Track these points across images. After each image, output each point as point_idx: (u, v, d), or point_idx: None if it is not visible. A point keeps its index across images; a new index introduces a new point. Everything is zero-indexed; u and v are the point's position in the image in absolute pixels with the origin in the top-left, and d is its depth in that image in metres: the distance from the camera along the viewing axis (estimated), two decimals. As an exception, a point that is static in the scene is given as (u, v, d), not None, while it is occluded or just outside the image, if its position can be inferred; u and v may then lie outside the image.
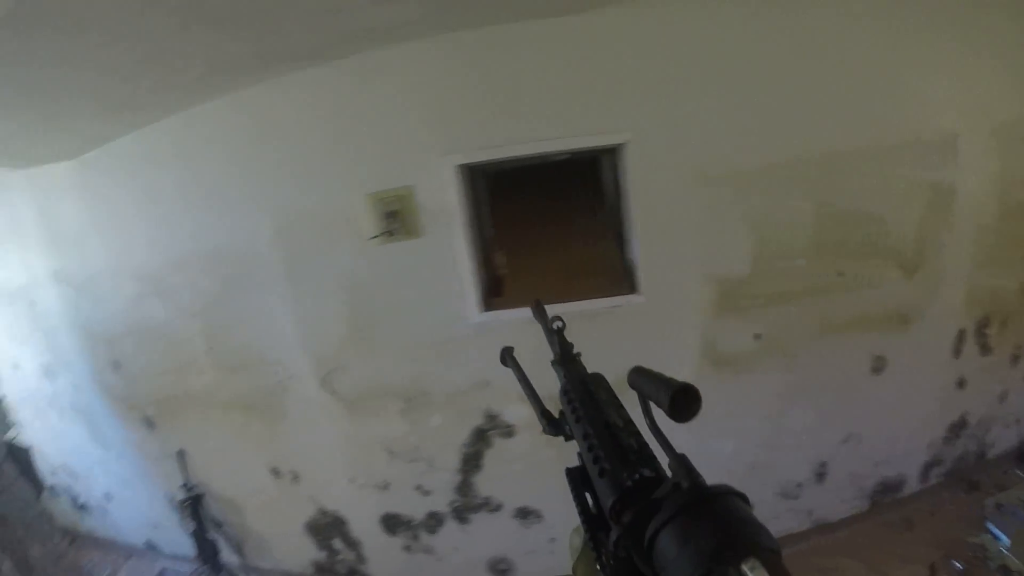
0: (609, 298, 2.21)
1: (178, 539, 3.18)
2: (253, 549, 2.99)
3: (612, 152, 2.29)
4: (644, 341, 2.22)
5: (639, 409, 0.49)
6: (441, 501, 2.47)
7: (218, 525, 2.91)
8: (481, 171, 2.40)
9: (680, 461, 0.44)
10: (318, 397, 2.40)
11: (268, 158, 2.23)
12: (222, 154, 2.28)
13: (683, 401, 0.43)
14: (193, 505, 2.75)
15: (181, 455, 2.70)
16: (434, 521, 2.50)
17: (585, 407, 0.60)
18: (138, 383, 2.68)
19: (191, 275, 2.42)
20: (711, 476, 0.41)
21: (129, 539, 3.59)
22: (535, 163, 2.33)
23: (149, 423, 2.74)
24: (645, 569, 0.44)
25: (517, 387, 0.72)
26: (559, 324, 0.74)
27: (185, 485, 2.74)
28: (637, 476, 0.49)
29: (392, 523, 2.62)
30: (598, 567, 0.53)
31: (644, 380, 0.49)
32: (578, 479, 0.57)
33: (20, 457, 3.19)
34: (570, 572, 0.59)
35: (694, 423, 0.40)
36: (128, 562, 3.77)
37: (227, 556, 2.96)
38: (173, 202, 2.38)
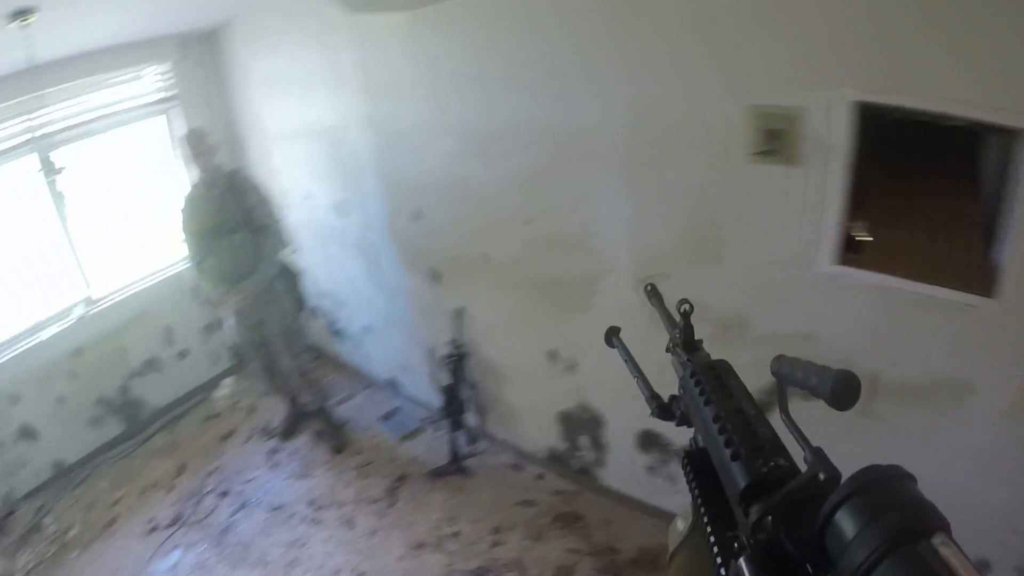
0: (961, 293, 2.07)
1: (422, 386, 3.72)
2: (497, 418, 3.38)
3: (1010, 134, 2.03)
4: (985, 352, 2.03)
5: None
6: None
7: (472, 387, 3.30)
8: (871, 115, 2.17)
9: (817, 453, 0.50)
10: (628, 298, 2.46)
11: (622, 43, 2.22)
12: (569, 31, 2.32)
13: (846, 388, 0.50)
14: (457, 362, 3.17)
15: (460, 313, 3.09)
16: (692, 453, 2.98)
17: (716, 391, 0.66)
18: (436, 236, 3.05)
19: (519, 143, 2.60)
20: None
21: (374, 372, 4.25)
22: (920, 122, 2.09)
23: (435, 276, 3.16)
24: (796, 551, 0.49)
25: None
26: (687, 307, 0.80)
27: (454, 342, 3.12)
28: (772, 464, 0.54)
29: (649, 441, 2.82)
30: (714, 552, 0.58)
31: (794, 367, 0.56)
32: (699, 464, 0.64)
33: (291, 277, 3.75)
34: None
35: None
36: (366, 391, 4.40)
37: (468, 417, 3.37)
38: (506, 69, 2.54)
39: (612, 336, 0.95)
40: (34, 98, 3.52)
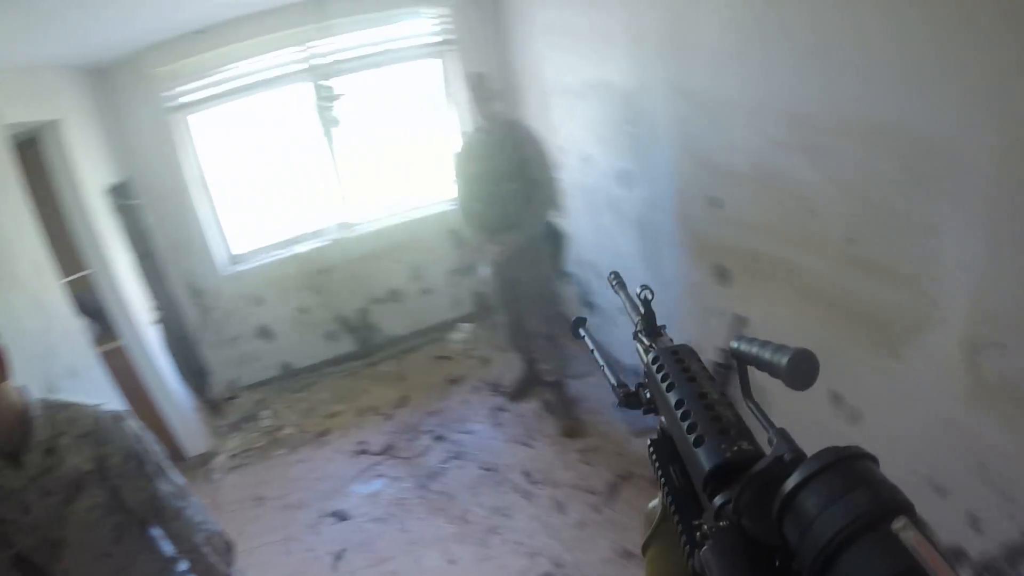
0: None
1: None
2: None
3: None
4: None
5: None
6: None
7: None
8: None
9: (782, 434, 0.55)
10: (947, 356, 2.25)
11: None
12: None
13: (802, 366, 0.55)
14: (722, 374, 3.52)
15: (740, 322, 3.00)
16: None
17: (677, 376, 0.71)
18: (732, 231, 2.93)
19: (859, 142, 2.35)
20: None
21: (619, 355, 3.78)
22: None
23: (721, 274, 3.07)
24: (762, 535, 0.53)
25: None
26: (647, 294, 0.88)
27: (724, 352, 3.38)
28: (736, 447, 0.58)
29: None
30: (683, 541, 0.62)
31: (751, 347, 0.60)
32: (665, 451, 0.69)
33: (556, 239, 3.95)
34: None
35: None
36: (601, 370, 5.10)
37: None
38: (856, 46, 2.25)
39: (579, 327, 1.05)
40: (317, 28, 3.94)
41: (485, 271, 4.12)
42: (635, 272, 3.81)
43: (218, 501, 4.29)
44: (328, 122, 4.56)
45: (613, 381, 0.91)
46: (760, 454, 0.60)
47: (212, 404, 5.21)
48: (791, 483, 0.50)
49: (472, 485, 3.90)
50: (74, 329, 2.98)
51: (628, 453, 3.84)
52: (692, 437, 0.64)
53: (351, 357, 5.47)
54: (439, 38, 4.94)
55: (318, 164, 5.10)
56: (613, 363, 0.96)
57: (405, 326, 5.57)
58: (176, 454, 4.53)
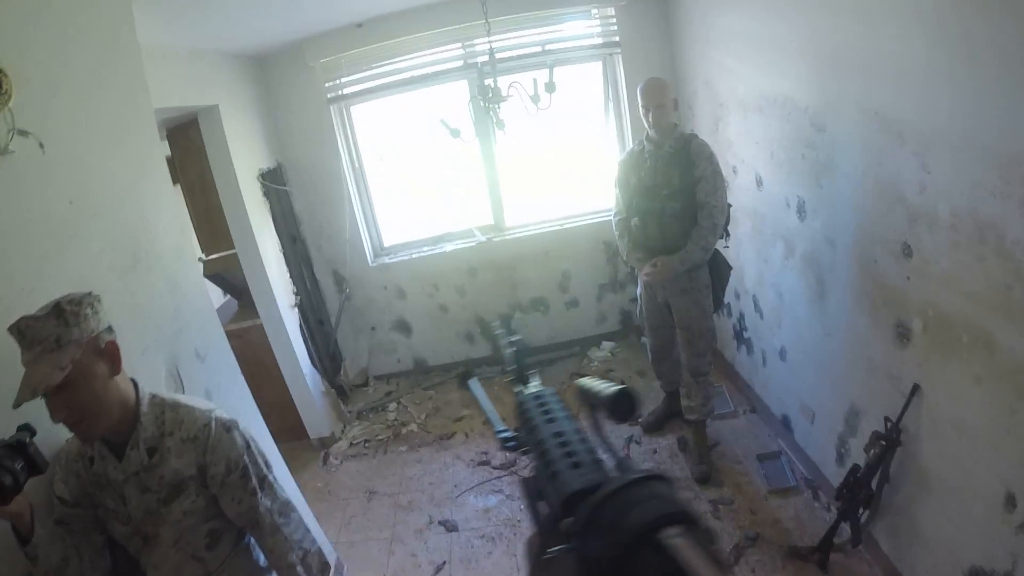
0: None
1: (819, 443, 3.38)
2: (891, 529, 2.84)
3: None
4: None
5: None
6: None
7: (885, 480, 2.73)
8: None
9: (623, 462, 0.74)
10: None
11: None
12: None
13: (623, 403, 0.78)
14: (885, 448, 2.65)
15: (915, 392, 2.53)
16: None
17: (537, 419, 0.81)
18: (923, 287, 2.46)
19: None
20: None
21: (767, 400, 4.01)
22: None
23: (902, 334, 2.59)
24: (593, 553, 0.59)
25: None
26: (515, 343, 0.96)
27: (890, 422, 2.61)
28: (584, 478, 0.68)
29: None
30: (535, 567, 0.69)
31: (587, 389, 0.82)
32: (532, 489, 0.76)
33: (719, 270, 3.59)
34: None
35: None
36: (750, 416, 4.20)
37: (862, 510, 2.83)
38: None
39: (467, 379, 1.12)
40: (480, 25, 3.81)
41: (637, 290, 3.85)
42: (796, 312, 3.44)
43: (332, 487, 4.36)
44: (487, 122, 4.42)
45: (497, 429, 1.00)
46: (637, 475, 0.65)
47: (342, 390, 5.28)
48: (590, 503, 0.61)
49: (589, 519, 3.57)
50: (206, 312, 2.99)
51: (761, 512, 3.45)
52: (548, 472, 0.73)
53: (486, 361, 5.38)
54: (603, 40, 4.69)
55: (474, 163, 5.03)
56: (495, 412, 1.07)
57: (546, 337, 5.39)
58: (299, 433, 4.72)
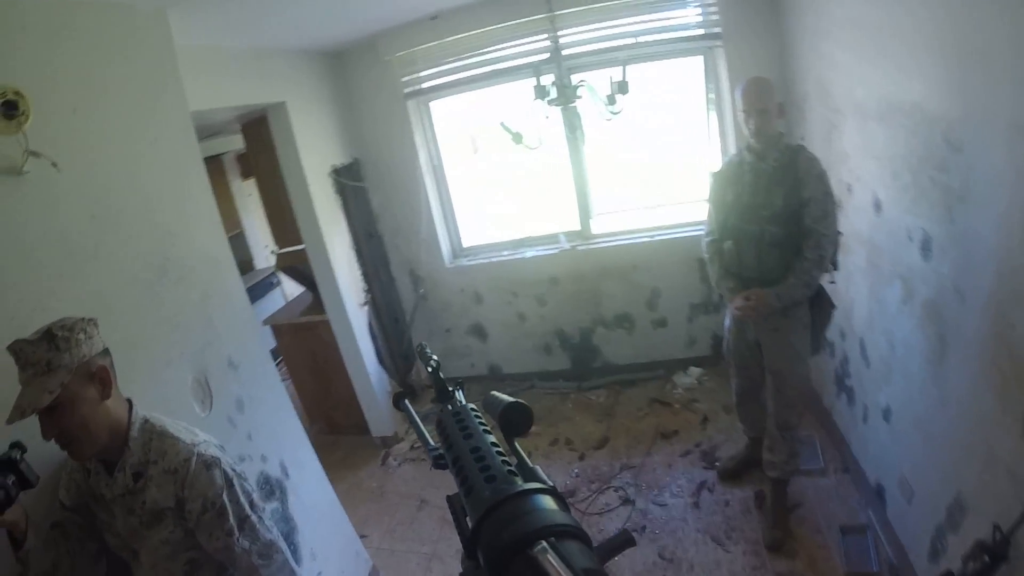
0: None
1: (912, 526, 2.82)
2: None
3: None
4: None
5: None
6: None
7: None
8: None
9: (532, 472, 0.72)
10: None
11: None
12: None
13: (513, 418, 0.80)
14: (989, 561, 2.08)
15: None
16: None
17: (455, 436, 0.83)
18: None
19: None
20: None
21: (863, 461, 3.41)
22: None
23: None
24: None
25: None
26: (434, 363, 1.06)
27: (1000, 531, 2.06)
28: (499, 494, 0.67)
29: None
30: None
31: (489, 403, 0.85)
32: (458, 505, 0.78)
33: (822, 310, 3.09)
34: None
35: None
36: (840, 475, 3.64)
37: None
38: None
39: (400, 400, 1.19)
40: (562, 16, 3.52)
41: (727, 321, 3.36)
42: (908, 368, 2.82)
43: (385, 489, 4.30)
44: (575, 121, 4.01)
45: (427, 448, 0.98)
46: (515, 490, 0.67)
47: (412, 389, 5.13)
48: (473, 519, 0.63)
49: (642, 574, 3.25)
50: (244, 320, 2.96)
51: (836, 596, 2.79)
52: (464, 488, 0.73)
53: (562, 375, 5.03)
54: (703, 30, 4.10)
55: (560, 165, 4.64)
56: (424, 432, 1.05)
57: (628, 356, 4.95)
58: (362, 429, 4.73)
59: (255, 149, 4.41)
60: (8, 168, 1.91)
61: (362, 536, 3.75)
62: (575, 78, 3.92)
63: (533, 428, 2.68)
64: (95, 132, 2.23)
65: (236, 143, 5.80)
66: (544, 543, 0.54)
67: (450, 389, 1.02)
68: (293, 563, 1.85)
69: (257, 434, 2.85)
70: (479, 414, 0.89)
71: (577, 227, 4.78)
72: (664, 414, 4.47)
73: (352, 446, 4.85)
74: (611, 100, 3.37)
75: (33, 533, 1.63)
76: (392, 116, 4.62)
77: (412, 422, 1.12)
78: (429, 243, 4.94)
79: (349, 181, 4.53)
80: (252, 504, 1.76)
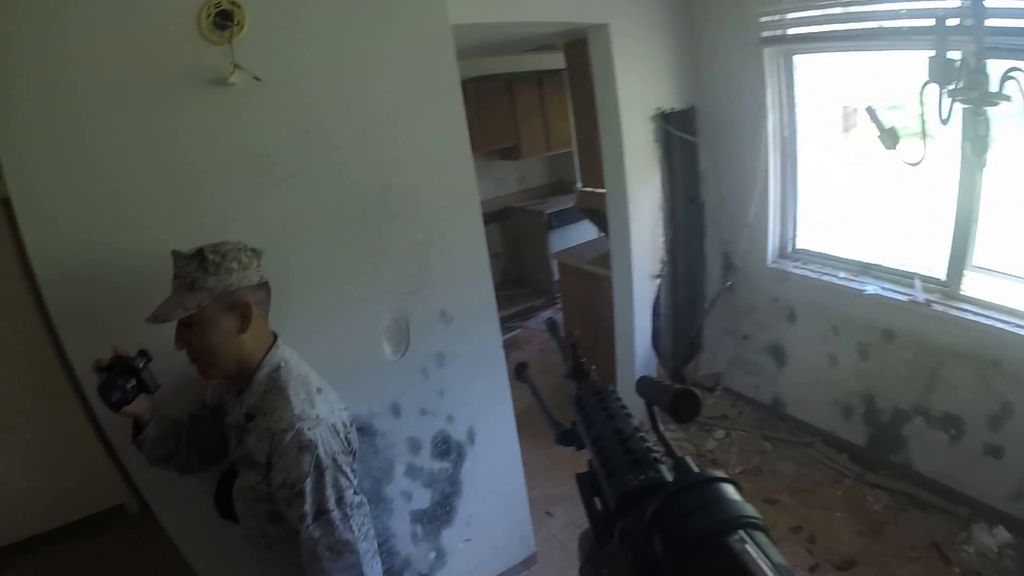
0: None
1: None
2: None
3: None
4: None
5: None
6: None
7: None
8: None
9: (681, 461, 0.66)
10: None
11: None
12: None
13: (684, 404, 0.69)
14: None
15: None
16: None
17: (596, 415, 0.83)
18: None
19: None
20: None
21: None
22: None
23: None
24: (651, 556, 0.59)
25: None
26: (575, 338, 1.03)
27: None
28: (642, 476, 0.68)
29: None
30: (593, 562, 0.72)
31: (649, 387, 0.77)
32: (587, 484, 0.77)
33: None
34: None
35: None
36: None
37: None
38: None
39: (522, 371, 1.15)
40: None
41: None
42: None
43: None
44: (980, 130, 2.75)
45: (550, 421, 0.97)
46: (665, 480, 0.66)
47: (683, 381, 4.56)
48: (649, 511, 0.59)
49: None
50: (476, 274, 2.74)
51: None
52: (605, 469, 0.71)
53: (851, 450, 3.88)
54: None
55: (942, 181, 3.25)
56: (549, 407, 1.02)
57: (936, 469, 3.50)
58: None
59: (574, 75, 4.04)
60: (214, 79, 1.90)
61: (548, 513, 3.63)
62: (997, 65, 2.63)
63: (783, 496, 3.12)
64: (322, 44, 2.13)
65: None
66: (742, 532, 0.51)
67: (586, 367, 0.98)
68: (370, 567, 1.71)
69: (451, 392, 2.71)
70: (619, 397, 0.86)
71: (941, 275, 3.35)
72: (936, 569, 3.12)
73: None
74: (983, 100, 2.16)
75: (156, 423, 1.74)
76: (742, 63, 3.73)
77: (535, 394, 1.08)
78: (755, 229, 4.03)
79: (678, 131, 3.88)
80: (340, 500, 1.62)
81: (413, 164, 2.38)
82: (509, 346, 5.96)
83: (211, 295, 1.55)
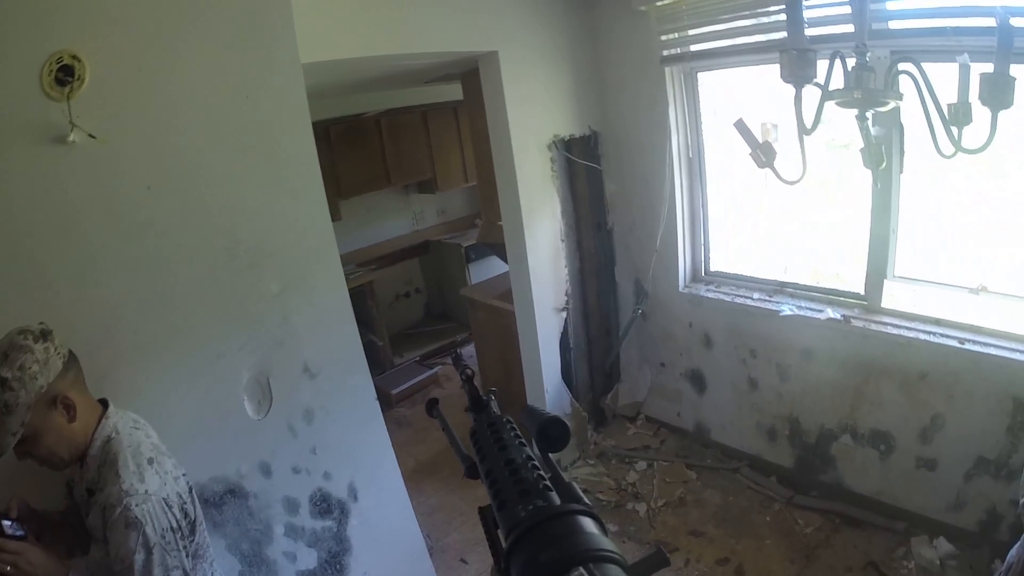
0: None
1: None
2: None
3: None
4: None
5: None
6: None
7: None
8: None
9: (568, 488, 0.66)
10: None
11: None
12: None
13: (552, 432, 0.73)
14: None
15: None
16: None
17: (489, 447, 0.79)
18: None
19: None
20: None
21: None
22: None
23: None
24: None
25: None
26: (469, 372, 1.02)
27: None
28: (531, 507, 0.64)
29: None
30: None
31: (527, 417, 0.79)
32: (489, 517, 0.76)
33: None
34: None
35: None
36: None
37: None
38: None
39: (432, 407, 1.10)
40: None
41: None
42: None
43: None
44: (881, 138, 2.60)
45: (459, 455, 0.94)
46: (556, 510, 0.62)
47: (602, 413, 4.37)
48: (506, 548, 0.58)
49: None
50: (339, 326, 2.58)
51: None
52: (497, 502, 0.69)
53: (779, 473, 3.77)
54: None
55: (855, 194, 3.22)
56: (458, 442, 0.98)
57: (868, 486, 3.41)
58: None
59: (471, 105, 3.78)
60: (55, 137, 1.81)
61: (463, 561, 3.51)
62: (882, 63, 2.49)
63: (710, 528, 3.19)
64: (164, 91, 2.01)
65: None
66: (581, 569, 0.49)
67: (483, 399, 0.93)
68: None
69: (325, 449, 2.56)
70: (514, 426, 0.82)
71: (859, 289, 3.24)
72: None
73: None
74: (962, 115, 1.97)
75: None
76: (646, 84, 3.61)
77: (445, 428, 1.03)
78: (664, 254, 3.83)
79: (579, 159, 3.60)
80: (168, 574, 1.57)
81: (264, 212, 2.28)
82: (431, 383, 5.69)
83: (28, 408, 1.48)
